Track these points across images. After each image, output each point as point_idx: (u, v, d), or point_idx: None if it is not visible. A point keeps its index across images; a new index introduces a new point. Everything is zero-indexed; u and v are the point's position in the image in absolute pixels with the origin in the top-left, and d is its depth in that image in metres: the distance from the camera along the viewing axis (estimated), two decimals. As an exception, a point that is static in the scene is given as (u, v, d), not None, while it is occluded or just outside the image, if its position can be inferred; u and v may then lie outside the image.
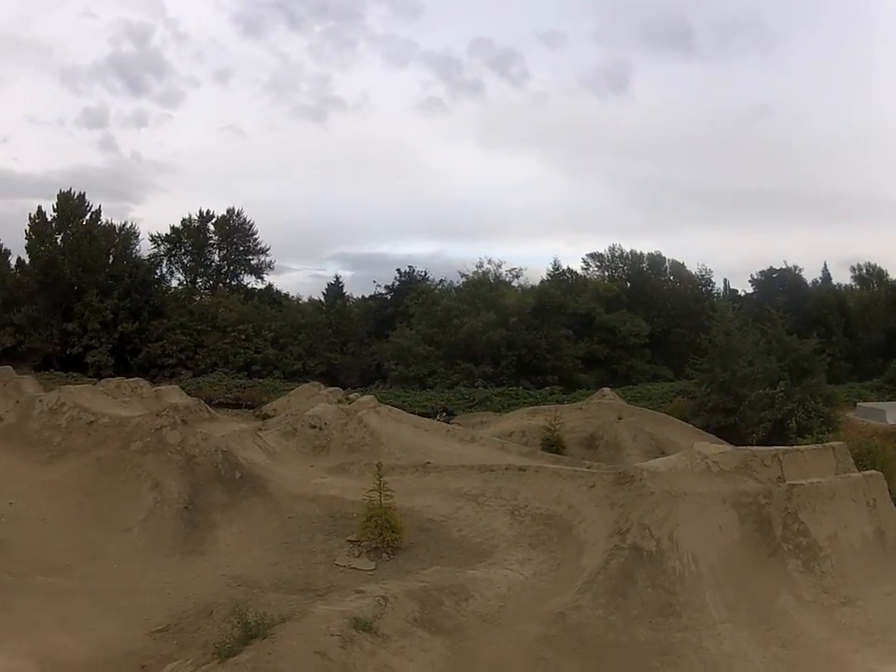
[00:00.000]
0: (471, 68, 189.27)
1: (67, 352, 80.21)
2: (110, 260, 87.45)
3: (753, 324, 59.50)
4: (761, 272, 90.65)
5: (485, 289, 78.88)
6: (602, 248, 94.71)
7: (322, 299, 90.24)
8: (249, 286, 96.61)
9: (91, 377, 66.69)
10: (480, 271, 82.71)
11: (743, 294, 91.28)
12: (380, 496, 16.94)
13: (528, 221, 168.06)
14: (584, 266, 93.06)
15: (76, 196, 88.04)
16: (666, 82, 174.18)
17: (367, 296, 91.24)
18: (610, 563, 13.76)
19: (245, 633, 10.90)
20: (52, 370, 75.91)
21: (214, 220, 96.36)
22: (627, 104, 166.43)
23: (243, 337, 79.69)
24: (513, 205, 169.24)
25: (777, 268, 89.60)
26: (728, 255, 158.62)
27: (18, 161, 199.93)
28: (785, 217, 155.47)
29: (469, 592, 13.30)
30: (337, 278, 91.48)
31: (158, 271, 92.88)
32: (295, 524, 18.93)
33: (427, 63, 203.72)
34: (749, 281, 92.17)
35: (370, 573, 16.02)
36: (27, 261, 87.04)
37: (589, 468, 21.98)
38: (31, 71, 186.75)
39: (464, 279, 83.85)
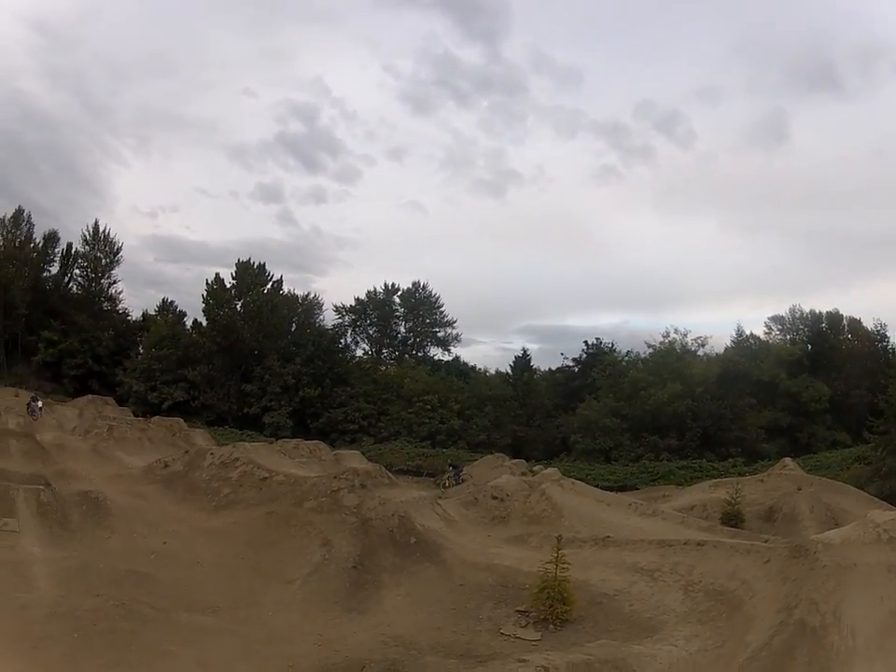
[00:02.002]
0: (639, 133, 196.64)
1: (244, 411, 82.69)
2: (293, 328, 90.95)
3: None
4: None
5: (672, 360, 77.85)
6: (783, 310, 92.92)
7: (509, 371, 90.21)
8: (436, 357, 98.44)
9: (267, 437, 69.00)
10: (666, 341, 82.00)
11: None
12: (556, 568, 16.32)
13: (710, 286, 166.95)
14: (766, 330, 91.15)
15: (255, 266, 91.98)
16: (821, 124, 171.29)
17: (553, 368, 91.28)
18: (774, 639, 12.92)
19: (395, 691, 10.54)
20: (226, 426, 78.66)
21: (399, 293, 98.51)
22: (790, 153, 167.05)
23: (428, 407, 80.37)
24: (694, 271, 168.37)
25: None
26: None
27: (190, 230, 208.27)
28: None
29: (631, 667, 12.50)
30: (524, 351, 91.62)
31: (342, 340, 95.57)
32: (465, 591, 18.44)
33: (595, 131, 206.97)
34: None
35: (534, 643, 15.33)
36: (204, 324, 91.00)
37: (766, 542, 21.05)
38: (196, 147, 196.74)
39: (650, 350, 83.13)
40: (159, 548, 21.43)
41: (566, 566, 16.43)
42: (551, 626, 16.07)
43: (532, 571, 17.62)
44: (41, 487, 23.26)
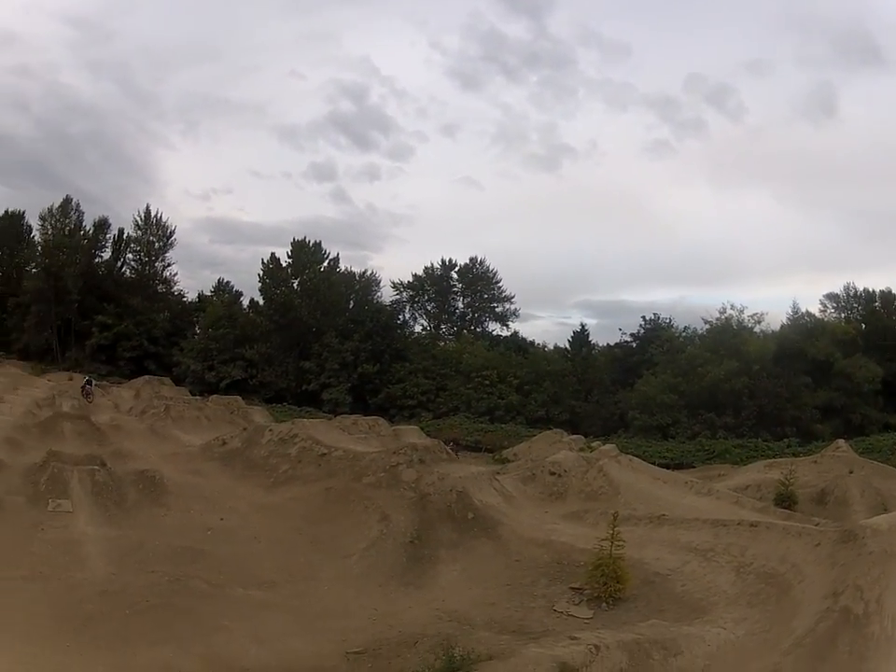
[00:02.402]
0: (690, 106, 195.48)
1: (302, 388, 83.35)
2: (350, 305, 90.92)
3: None
4: None
5: (729, 336, 76.53)
6: (838, 287, 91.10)
7: (567, 346, 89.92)
8: (494, 332, 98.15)
9: (326, 413, 69.21)
10: (723, 317, 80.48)
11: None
12: (611, 545, 16.21)
13: (765, 261, 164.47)
14: (822, 308, 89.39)
15: (310, 244, 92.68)
16: (869, 99, 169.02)
17: (612, 344, 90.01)
18: (819, 625, 12.72)
19: (447, 665, 10.69)
20: (285, 403, 79.00)
21: (457, 269, 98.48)
22: (839, 127, 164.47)
23: (487, 383, 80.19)
24: (750, 246, 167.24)
25: None
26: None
27: (244, 212, 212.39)
28: None
29: (680, 648, 12.38)
30: (582, 326, 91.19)
31: (400, 316, 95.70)
32: (520, 567, 18.39)
33: (647, 104, 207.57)
34: None
35: (585, 621, 15.22)
36: (261, 303, 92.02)
37: (817, 525, 20.83)
38: (246, 129, 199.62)
39: (707, 326, 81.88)
40: (215, 524, 21.67)
41: (621, 543, 16.31)
42: (603, 604, 15.95)
43: (587, 548, 17.58)
44: (96, 468, 23.53)
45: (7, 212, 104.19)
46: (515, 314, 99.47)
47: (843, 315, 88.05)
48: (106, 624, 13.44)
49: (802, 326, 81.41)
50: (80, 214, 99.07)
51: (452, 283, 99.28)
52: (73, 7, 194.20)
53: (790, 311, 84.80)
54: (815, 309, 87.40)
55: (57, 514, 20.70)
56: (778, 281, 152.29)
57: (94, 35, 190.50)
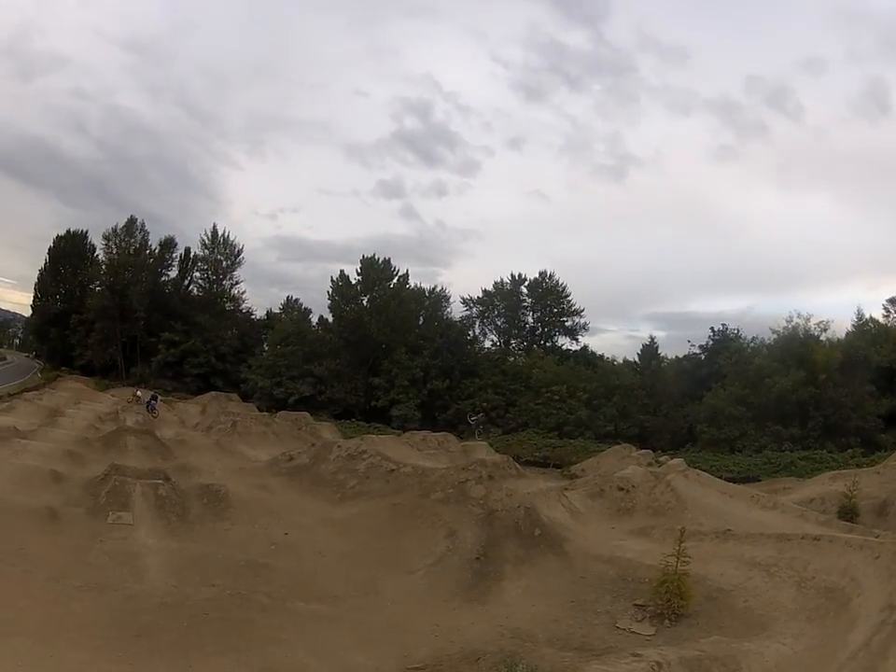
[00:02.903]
0: (751, 109, 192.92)
1: (371, 404, 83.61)
2: (420, 321, 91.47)
3: None
4: None
5: (796, 345, 75.86)
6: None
7: (637, 359, 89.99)
8: (564, 347, 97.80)
9: (395, 429, 69.74)
10: (790, 326, 79.51)
11: None
12: (676, 562, 16.12)
13: (830, 266, 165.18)
14: (885, 313, 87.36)
15: (380, 261, 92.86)
16: None
17: (680, 356, 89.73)
18: (873, 639, 12.52)
19: (509, 682, 10.50)
20: (353, 419, 79.26)
21: (526, 283, 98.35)
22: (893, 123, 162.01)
23: (556, 398, 80.00)
24: (815, 250, 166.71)
25: None
26: None
27: (313, 230, 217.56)
28: None
29: (739, 664, 12.28)
30: (651, 338, 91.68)
31: (470, 332, 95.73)
32: (585, 583, 18.32)
33: (709, 109, 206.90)
34: None
35: (648, 638, 15.12)
36: (330, 320, 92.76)
37: (877, 537, 20.55)
38: (312, 148, 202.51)
39: (775, 335, 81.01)
40: (280, 539, 21.84)
41: (686, 559, 16.22)
42: (666, 621, 15.89)
43: (653, 564, 17.49)
44: (159, 481, 23.80)
45: (69, 231, 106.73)
46: (585, 327, 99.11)
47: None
48: (163, 635, 13.52)
49: (866, 332, 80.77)
50: (146, 233, 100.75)
51: (521, 297, 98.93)
52: (127, 31, 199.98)
53: (854, 318, 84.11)
54: (878, 314, 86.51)
55: (117, 526, 20.94)
56: (842, 286, 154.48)
57: (151, 59, 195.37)
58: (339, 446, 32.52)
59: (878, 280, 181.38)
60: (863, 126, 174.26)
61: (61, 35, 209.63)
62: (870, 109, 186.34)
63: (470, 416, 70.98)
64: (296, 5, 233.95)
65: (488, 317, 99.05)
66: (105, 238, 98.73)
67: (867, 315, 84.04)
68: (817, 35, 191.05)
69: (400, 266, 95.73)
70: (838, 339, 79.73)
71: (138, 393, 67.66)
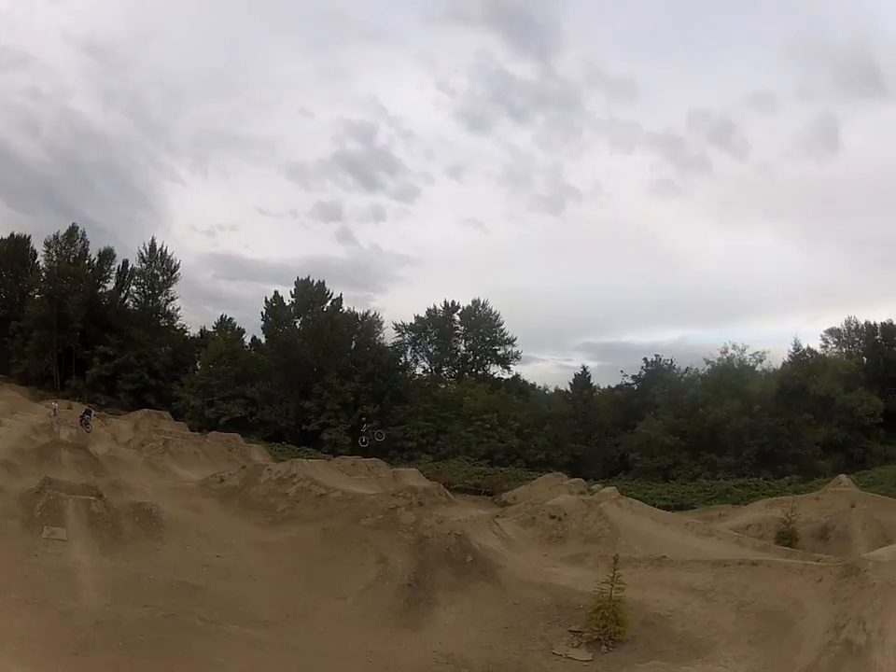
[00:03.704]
0: (694, 144, 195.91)
1: (302, 428, 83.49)
2: (352, 346, 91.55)
3: None
4: None
5: (731, 376, 77.23)
6: (839, 322, 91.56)
7: (569, 389, 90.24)
8: (496, 375, 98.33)
9: (325, 453, 70.26)
10: (725, 356, 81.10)
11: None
12: (611, 588, 16.16)
13: (768, 298, 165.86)
14: (823, 343, 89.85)
15: (314, 283, 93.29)
16: (872, 128, 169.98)
17: (613, 386, 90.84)
18: (821, 659, 12.78)
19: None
20: (284, 443, 79.33)
21: (459, 311, 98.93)
22: (843, 160, 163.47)
23: (487, 426, 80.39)
24: (753, 283, 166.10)
25: None
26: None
27: (249, 248, 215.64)
28: None
29: (679, 688, 12.38)
30: (584, 368, 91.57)
31: (402, 358, 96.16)
32: (519, 610, 18.25)
33: (651, 144, 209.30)
34: None
35: (584, 663, 15.19)
36: (263, 341, 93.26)
37: (818, 560, 20.77)
38: (254, 166, 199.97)
39: (709, 366, 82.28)
40: (212, 561, 21.56)
41: (621, 586, 16.26)
42: (603, 647, 15.85)
43: (587, 591, 17.44)
44: (92, 498, 23.46)
45: (12, 235, 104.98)
46: (517, 356, 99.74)
47: (844, 350, 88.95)
48: (99, 655, 13.31)
49: (804, 362, 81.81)
50: (86, 242, 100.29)
51: (454, 325, 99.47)
52: (89, 33, 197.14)
53: (791, 348, 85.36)
54: (816, 345, 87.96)
55: (51, 541, 20.55)
56: (780, 318, 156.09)
57: (109, 64, 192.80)
58: (269, 469, 32.29)
59: (818, 312, 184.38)
60: (809, 161, 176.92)
61: (26, 32, 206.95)
62: (816, 145, 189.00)
63: (363, 434, 71.49)
64: (256, 23, 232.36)
65: (420, 344, 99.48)
66: (47, 245, 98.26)
67: (805, 346, 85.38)
68: (767, 70, 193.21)
69: (335, 289, 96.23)
70: (774, 369, 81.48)
71: (54, 404, 66.55)
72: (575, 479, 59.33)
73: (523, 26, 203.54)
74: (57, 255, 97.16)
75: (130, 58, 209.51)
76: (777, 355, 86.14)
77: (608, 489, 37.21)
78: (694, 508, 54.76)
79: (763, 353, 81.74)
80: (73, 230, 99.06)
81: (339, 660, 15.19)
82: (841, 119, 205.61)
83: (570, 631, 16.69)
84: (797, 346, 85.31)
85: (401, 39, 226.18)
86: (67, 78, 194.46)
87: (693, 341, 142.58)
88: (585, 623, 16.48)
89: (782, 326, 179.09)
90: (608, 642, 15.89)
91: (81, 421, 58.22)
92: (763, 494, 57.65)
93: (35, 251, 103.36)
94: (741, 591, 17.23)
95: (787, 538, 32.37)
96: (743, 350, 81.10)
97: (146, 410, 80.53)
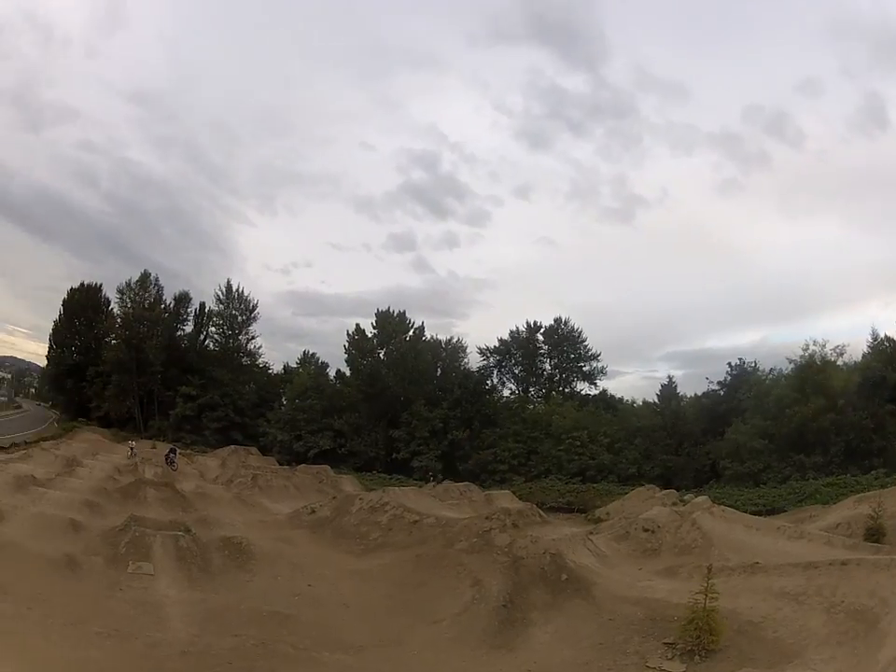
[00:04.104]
0: (752, 139, 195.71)
1: (392, 456, 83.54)
2: (438, 373, 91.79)
3: None
4: None
5: (813, 373, 75.33)
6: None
7: (656, 400, 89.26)
8: (582, 392, 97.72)
9: (417, 481, 69.55)
10: (806, 354, 79.02)
11: None
12: (705, 598, 15.96)
13: (842, 288, 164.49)
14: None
15: (395, 314, 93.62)
16: None
17: (699, 393, 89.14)
18: (902, 654, 12.44)
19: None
20: (374, 472, 79.33)
21: (542, 330, 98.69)
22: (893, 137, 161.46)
23: (577, 444, 79.86)
24: (824, 275, 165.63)
25: None
26: None
27: (325, 284, 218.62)
28: None
29: (768, 694, 12.18)
30: (670, 378, 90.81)
31: (488, 381, 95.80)
32: (614, 625, 18.04)
33: (710, 143, 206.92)
34: None
35: (678, 675, 14.87)
36: (347, 373, 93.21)
37: (902, 555, 20.37)
38: (321, 202, 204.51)
39: (792, 364, 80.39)
40: (303, 590, 21.61)
41: (714, 595, 16.06)
42: (696, 657, 15.70)
43: (682, 603, 17.24)
44: (180, 533, 23.64)
45: (83, 284, 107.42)
46: (602, 371, 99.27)
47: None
48: (187, 684, 13.25)
49: (882, 352, 79.19)
50: (160, 287, 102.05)
51: (538, 345, 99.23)
52: (134, 84, 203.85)
53: (869, 338, 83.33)
54: (894, 332, 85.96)
55: (137, 576, 20.83)
56: (856, 307, 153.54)
57: (158, 113, 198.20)
58: (360, 499, 32.46)
59: (891, 297, 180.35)
60: (863, 143, 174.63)
61: (68, 87, 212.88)
62: (867, 125, 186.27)
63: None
64: (300, 60, 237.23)
65: (505, 366, 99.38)
66: (120, 292, 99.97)
67: (882, 335, 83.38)
68: (810, 57, 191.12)
69: (415, 318, 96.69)
70: (855, 362, 79.65)
71: (131, 443, 68.10)
72: (667, 490, 58.90)
73: (567, 39, 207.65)
74: (131, 301, 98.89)
75: (179, 105, 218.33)
76: (857, 347, 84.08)
77: (700, 498, 36.89)
78: (786, 511, 53.89)
79: (844, 346, 79.96)
80: (145, 276, 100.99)
81: (432, 684, 14.82)
82: (886, 97, 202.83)
83: (664, 643, 16.51)
84: (875, 336, 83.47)
85: (450, 64, 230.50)
86: (118, 129, 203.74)
87: (775, 340, 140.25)
88: (679, 634, 16.29)
89: (857, 316, 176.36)
90: (701, 652, 15.72)
91: (167, 459, 59.01)
92: (851, 491, 56.29)
93: (107, 298, 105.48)
94: (831, 592, 17.09)
95: (875, 534, 31.81)
96: (823, 345, 79.33)
97: (233, 446, 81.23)
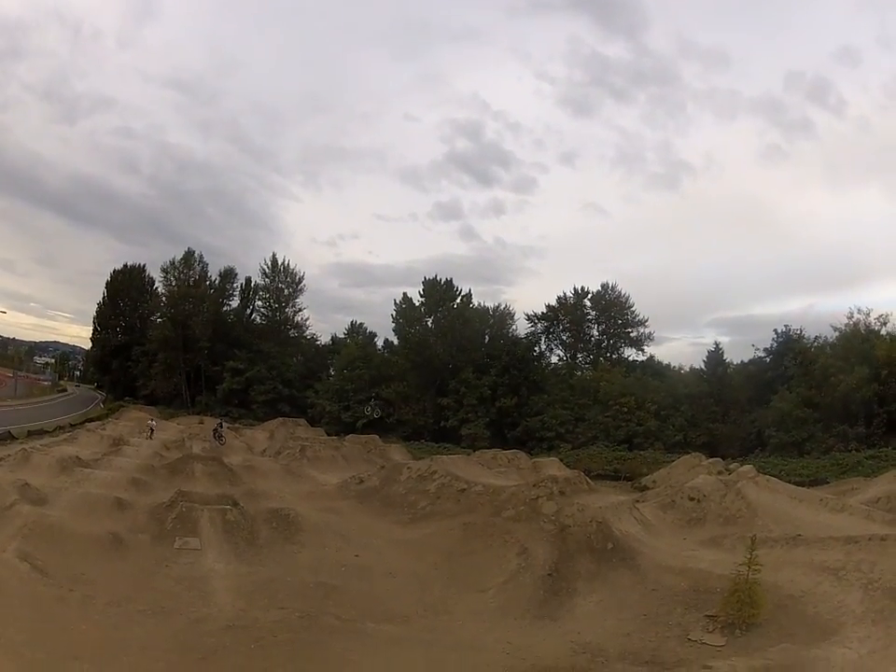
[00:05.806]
0: (795, 106, 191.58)
1: (440, 424, 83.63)
2: (486, 340, 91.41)
3: None
4: None
5: (858, 342, 74.59)
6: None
7: (703, 366, 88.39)
8: (630, 358, 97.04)
9: (465, 448, 69.67)
10: (851, 322, 78.39)
11: None
12: (748, 570, 15.98)
13: (887, 256, 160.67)
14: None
15: (442, 282, 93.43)
16: None
17: (746, 360, 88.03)
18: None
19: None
20: (423, 440, 79.52)
21: (589, 296, 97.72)
22: None
23: (625, 410, 79.55)
24: (870, 243, 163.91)
25: None
26: None
27: (373, 255, 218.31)
28: None
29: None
30: (717, 345, 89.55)
31: (536, 348, 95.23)
32: (657, 596, 18.10)
33: (753, 109, 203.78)
34: None
35: (718, 649, 14.94)
36: (395, 343, 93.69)
37: (942, 530, 20.32)
38: (367, 175, 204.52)
39: (837, 333, 79.72)
40: (350, 561, 21.88)
41: (757, 567, 16.05)
42: (737, 631, 15.68)
43: (725, 574, 17.35)
44: (227, 507, 23.96)
45: (126, 265, 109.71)
46: (650, 337, 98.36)
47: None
48: (228, 658, 13.54)
49: (925, 320, 78.35)
50: (205, 265, 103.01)
51: (585, 311, 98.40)
52: (171, 70, 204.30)
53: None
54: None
55: (183, 552, 21.20)
56: None
57: (198, 97, 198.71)
58: (409, 468, 32.62)
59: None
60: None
61: (101, 77, 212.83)
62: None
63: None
64: (340, 39, 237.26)
65: (553, 333, 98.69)
66: (164, 271, 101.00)
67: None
68: (846, 24, 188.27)
69: (463, 286, 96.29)
70: (900, 330, 78.25)
71: (151, 421, 67.62)
72: (713, 459, 58.68)
73: (606, 6, 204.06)
74: (175, 279, 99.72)
75: (219, 88, 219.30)
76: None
77: (745, 468, 36.80)
78: (828, 482, 53.32)
79: (887, 315, 78.79)
80: (189, 254, 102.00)
81: (475, 652, 15.13)
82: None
83: (706, 616, 16.50)
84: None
85: (491, 36, 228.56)
86: (158, 115, 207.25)
87: (821, 308, 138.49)
88: (721, 607, 16.31)
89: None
90: (741, 626, 15.72)
91: (214, 434, 59.68)
92: (893, 464, 55.46)
93: (151, 278, 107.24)
94: (869, 568, 16.96)
95: (915, 508, 31.59)
96: (868, 314, 78.48)
97: (281, 419, 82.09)
